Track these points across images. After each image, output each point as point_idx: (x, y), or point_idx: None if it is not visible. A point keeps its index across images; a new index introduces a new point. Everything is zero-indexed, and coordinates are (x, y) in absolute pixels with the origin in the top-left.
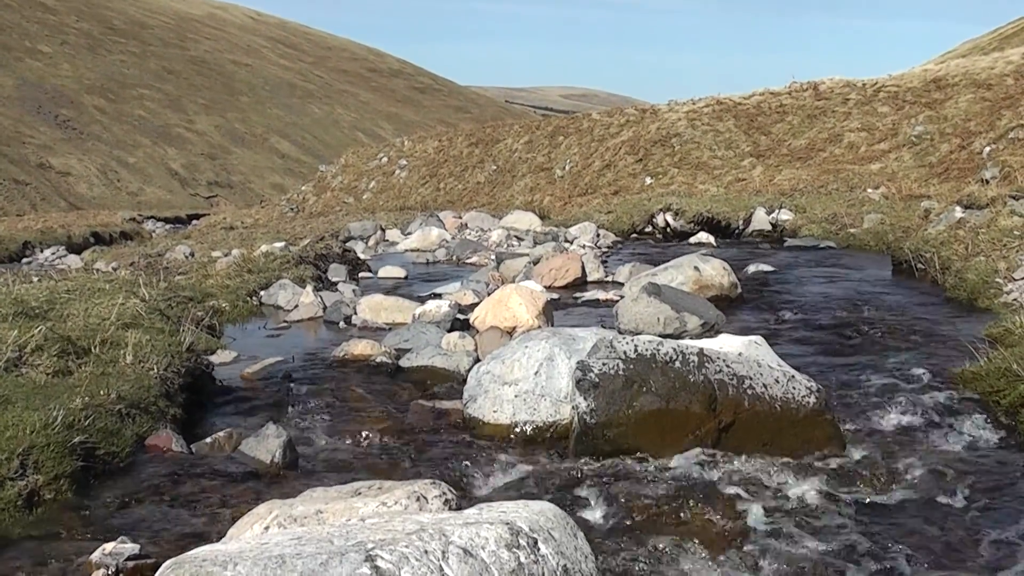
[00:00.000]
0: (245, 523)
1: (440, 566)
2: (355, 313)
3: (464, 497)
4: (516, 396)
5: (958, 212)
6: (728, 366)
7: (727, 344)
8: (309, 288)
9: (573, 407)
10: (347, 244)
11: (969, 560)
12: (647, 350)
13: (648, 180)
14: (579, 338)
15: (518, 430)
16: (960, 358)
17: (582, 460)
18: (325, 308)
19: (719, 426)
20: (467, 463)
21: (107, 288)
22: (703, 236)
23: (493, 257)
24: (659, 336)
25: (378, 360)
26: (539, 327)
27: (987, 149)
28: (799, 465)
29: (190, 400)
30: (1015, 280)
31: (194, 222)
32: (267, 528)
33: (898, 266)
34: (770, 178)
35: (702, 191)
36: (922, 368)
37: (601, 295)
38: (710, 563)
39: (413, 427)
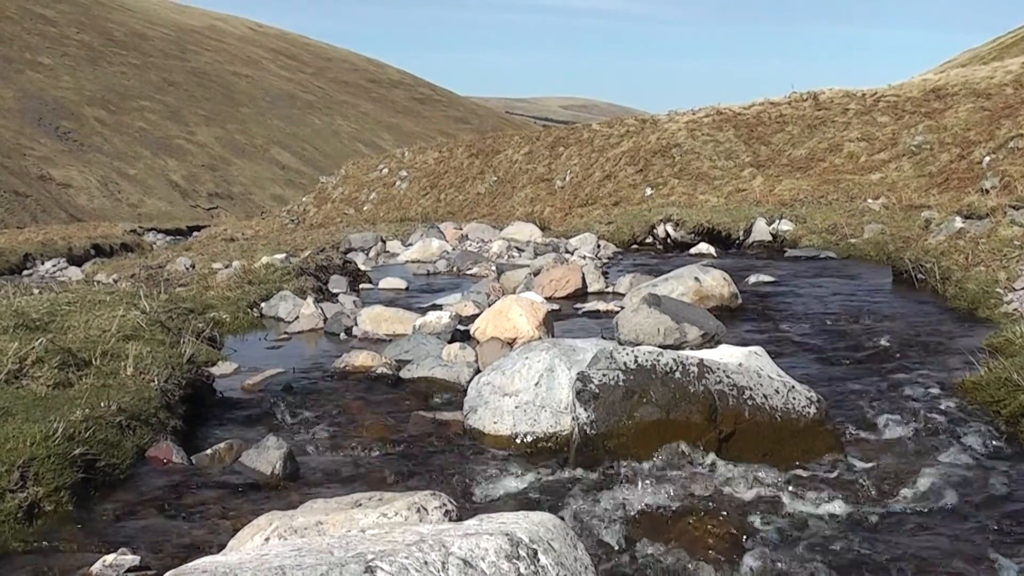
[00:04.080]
0: (245, 534)
1: None
2: (356, 324)
3: (464, 508)
4: (516, 407)
5: (958, 222)
6: (728, 376)
7: (727, 355)
8: (310, 299)
9: (573, 418)
10: (348, 255)
11: (969, 571)
12: (647, 361)
13: (648, 191)
14: (579, 349)
15: (518, 441)
16: (960, 368)
17: (582, 471)
18: (326, 319)
19: (719, 436)
20: (467, 474)
21: (108, 300)
22: (704, 247)
23: (493, 268)
24: (659, 347)
25: (379, 371)
26: (539, 338)
27: (987, 159)
28: (799, 475)
29: (191, 412)
30: (1015, 290)
31: (194, 234)
32: (267, 539)
33: (898, 276)
34: (770, 188)
35: (702, 202)
36: (922, 378)
37: (601, 306)
38: (710, 574)
39: (413, 438)
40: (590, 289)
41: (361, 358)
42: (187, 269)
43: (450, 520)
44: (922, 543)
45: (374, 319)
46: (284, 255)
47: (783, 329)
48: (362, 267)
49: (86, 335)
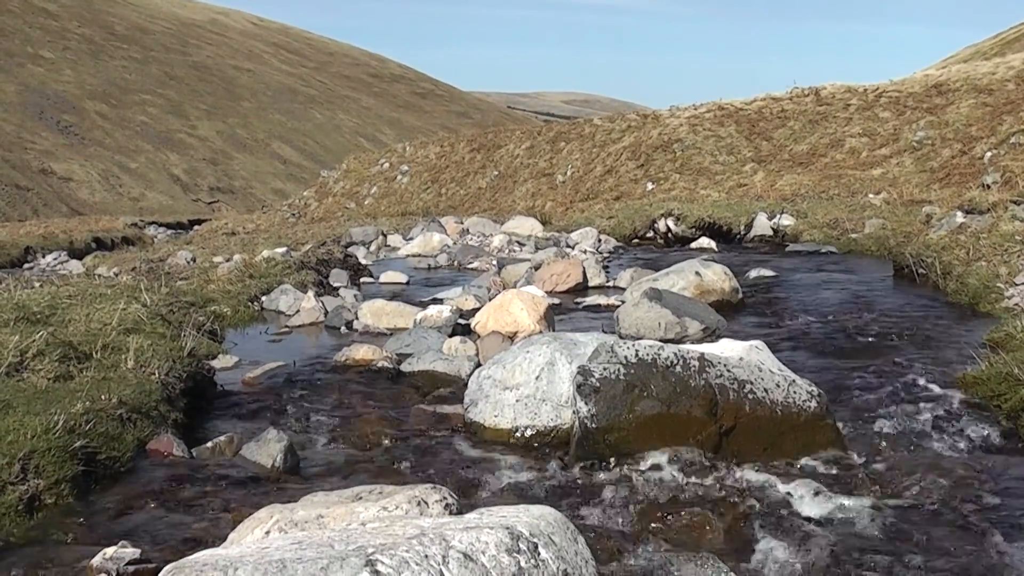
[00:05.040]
0: (246, 527)
1: (440, 571)
2: (356, 318)
3: (465, 502)
4: (517, 401)
5: (959, 217)
6: (729, 371)
7: (728, 349)
8: (310, 293)
9: (574, 412)
10: (349, 249)
11: (970, 565)
12: (648, 355)
13: (650, 185)
14: (580, 343)
15: (519, 435)
16: (961, 363)
17: (583, 465)
18: (326, 313)
19: (720, 431)
20: (468, 468)
21: (109, 293)
22: (704, 241)
23: (494, 262)
24: (660, 341)
25: (379, 365)
26: (540, 332)
27: (988, 154)
28: (800, 470)
29: (191, 405)
30: (1016, 285)
31: (196, 227)
32: (268, 533)
33: (899, 271)
34: (771, 183)
35: (704, 196)
36: (923, 373)
37: (602, 300)
38: (710, 568)
39: (414, 432)
40: (591, 283)
41: (362, 352)
42: (188, 263)
43: (450, 514)
44: (921, 537)
45: (375, 313)
46: (285, 249)
47: (784, 323)
48: (363, 261)
49: (87, 328)
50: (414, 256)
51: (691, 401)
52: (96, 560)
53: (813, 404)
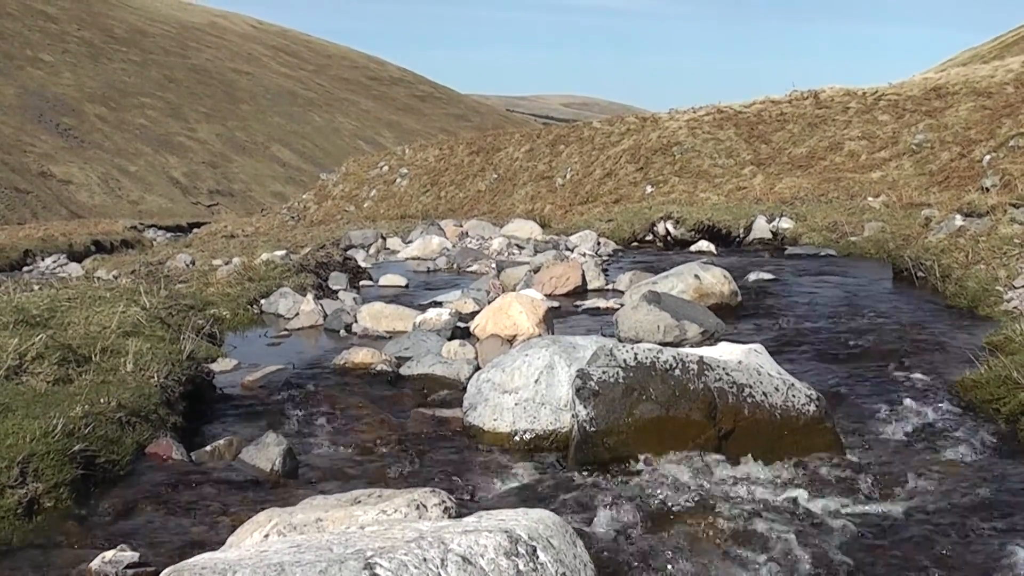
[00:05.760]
0: (245, 531)
1: (439, 573)
2: (356, 321)
3: (463, 505)
4: (516, 404)
5: (958, 220)
6: (728, 374)
7: (727, 352)
8: (310, 296)
9: (573, 415)
10: (348, 252)
11: (969, 568)
12: (647, 358)
13: (649, 188)
14: (579, 346)
15: (518, 438)
16: (960, 366)
17: (582, 468)
18: (326, 316)
19: (719, 434)
20: (467, 471)
21: (108, 296)
22: (704, 244)
23: (494, 265)
24: (659, 344)
25: (378, 368)
26: (539, 335)
27: (987, 157)
28: (799, 473)
29: (190, 408)
30: (1015, 288)
31: (195, 230)
32: (267, 536)
33: (899, 274)
34: (771, 186)
35: (703, 199)
36: (922, 376)
37: (601, 303)
38: (709, 572)
39: (413, 435)
40: (590, 286)
41: (361, 355)
42: (187, 266)
43: (449, 517)
44: (920, 541)
45: (374, 316)
46: (284, 252)
47: (783, 327)
48: (362, 264)
49: (86, 331)
50: (413, 259)
51: (690, 404)
52: (95, 563)
53: (812, 408)
